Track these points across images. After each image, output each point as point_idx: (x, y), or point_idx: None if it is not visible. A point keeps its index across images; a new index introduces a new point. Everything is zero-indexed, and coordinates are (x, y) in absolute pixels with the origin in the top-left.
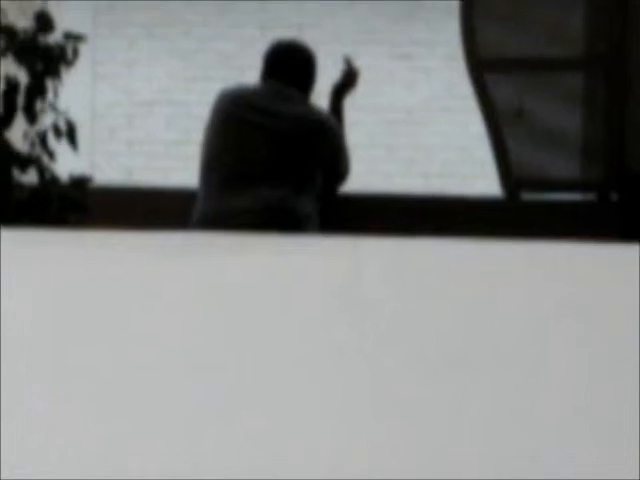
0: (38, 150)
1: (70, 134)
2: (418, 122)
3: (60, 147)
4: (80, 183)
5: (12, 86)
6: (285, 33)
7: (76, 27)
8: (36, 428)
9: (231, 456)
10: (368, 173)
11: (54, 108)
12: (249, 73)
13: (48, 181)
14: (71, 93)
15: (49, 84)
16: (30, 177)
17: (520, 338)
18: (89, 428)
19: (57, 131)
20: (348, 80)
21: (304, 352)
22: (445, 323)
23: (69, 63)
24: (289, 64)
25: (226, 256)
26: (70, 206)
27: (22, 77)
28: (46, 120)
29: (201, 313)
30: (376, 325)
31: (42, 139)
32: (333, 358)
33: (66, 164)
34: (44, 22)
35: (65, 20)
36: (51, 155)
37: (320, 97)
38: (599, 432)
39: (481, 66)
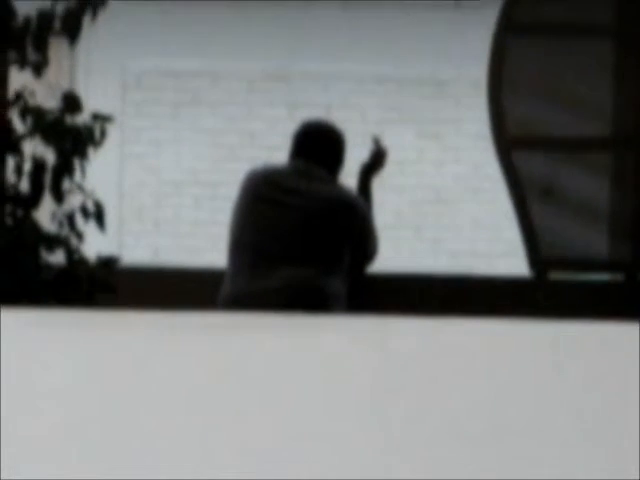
0: (66, 231)
1: (98, 215)
2: (446, 201)
3: (88, 227)
4: (108, 263)
5: (39, 166)
6: (312, 112)
7: (104, 105)
8: None
9: None
10: (396, 253)
11: (81, 188)
12: (276, 153)
13: (76, 261)
14: (99, 172)
15: (76, 164)
16: (57, 257)
17: (549, 417)
18: None
19: (85, 212)
20: (376, 160)
21: (335, 433)
22: (474, 404)
23: (97, 144)
24: (318, 144)
25: (254, 336)
26: (98, 286)
27: (50, 157)
28: (74, 200)
29: (229, 394)
30: (406, 406)
31: (70, 220)
32: (364, 439)
33: (94, 243)
34: (72, 102)
35: (92, 97)
36: (79, 236)
37: (348, 177)
38: None
39: (509, 144)
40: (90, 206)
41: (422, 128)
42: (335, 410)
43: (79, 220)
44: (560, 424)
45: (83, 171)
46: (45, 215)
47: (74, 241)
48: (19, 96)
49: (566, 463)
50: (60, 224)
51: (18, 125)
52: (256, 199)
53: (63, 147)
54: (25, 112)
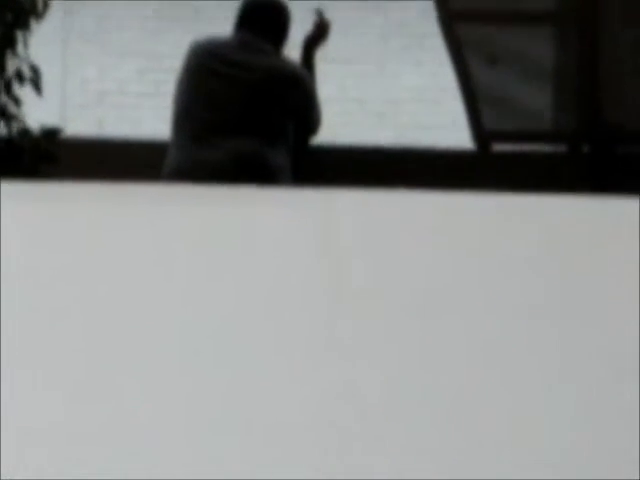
0: (4, 98)
1: (34, 79)
2: (390, 74)
3: (31, 100)
4: (51, 134)
5: None
6: None
7: None
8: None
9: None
10: (340, 126)
11: (16, 54)
12: (221, 26)
13: (20, 133)
14: (41, 45)
15: (19, 36)
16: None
17: (490, 292)
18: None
19: (20, 77)
20: (320, 32)
21: (276, 305)
22: (417, 275)
23: (39, 15)
24: (262, 16)
25: (197, 207)
26: (41, 158)
27: None
28: (12, 68)
29: (170, 265)
30: (351, 277)
31: (7, 86)
32: (307, 311)
33: (38, 116)
34: None
35: None
36: (17, 102)
37: (292, 49)
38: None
39: (452, 16)
40: (26, 71)
41: (367, 2)
42: (280, 285)
43: (17, 86)
44: (505, 299)
45: (25, 43)
46: None
47: (13, 109)
48: None
49: (518, 342)
50: None
51: None
52: (200, 71)
53: (5, 18)
54: None
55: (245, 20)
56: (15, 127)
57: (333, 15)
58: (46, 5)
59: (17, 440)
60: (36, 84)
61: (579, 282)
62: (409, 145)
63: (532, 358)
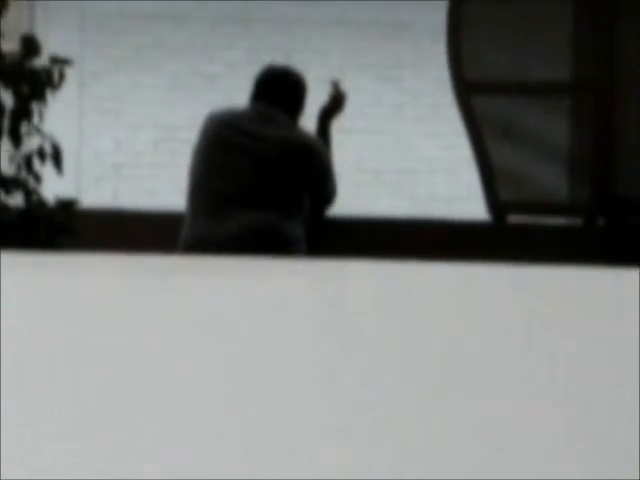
0: (24, 173)
1: (55, 157)
2: (405, 145)
3: (47, 170)
4: (67, 206)
5: None
6: (273, 56)
7: (63, 47)
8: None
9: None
10: (355, 197)
11: (39, 131)
12: (236, 96)
13: (35, 204)
14: (58, 115)
15: (35, 107)
16: (16, 200)
17: (505, 359)
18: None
19: (42, 154)
20: (335, 103)
21: (290, 373)
22: (430, 345)
23: (55, 87)
24: (278, 88)
25: (212, 279)
26: (57, 229)
27: (8, 100)
28: (32, 143)
29: (186, 335)
30: (362, 347)
31: (27, 162)
32: (319, 379)
33: (53, 187)
34: (30, 46)
35: (52, 40)
36: (37, 178)
37: (308, 120)
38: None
39: (468, 87)
40: (47, 148)
41: (381, 72)
42: (295, 353)
43: (37, 162)
44: (521, 365)
45: (41, 114)
46: (2, 158)
47: (32, 183)
48: None
49: (538, 405)
50: (18, 167)
51: None
52: (216, 142)
53: (21, 90)
54: None
55: (261, 91)
56: (31, 198)
57: (348, 86)
58: (62, 77)
59: None
60: (57, 162)
61: (592, 350)
62: (424, 216)
63: (551, 427)
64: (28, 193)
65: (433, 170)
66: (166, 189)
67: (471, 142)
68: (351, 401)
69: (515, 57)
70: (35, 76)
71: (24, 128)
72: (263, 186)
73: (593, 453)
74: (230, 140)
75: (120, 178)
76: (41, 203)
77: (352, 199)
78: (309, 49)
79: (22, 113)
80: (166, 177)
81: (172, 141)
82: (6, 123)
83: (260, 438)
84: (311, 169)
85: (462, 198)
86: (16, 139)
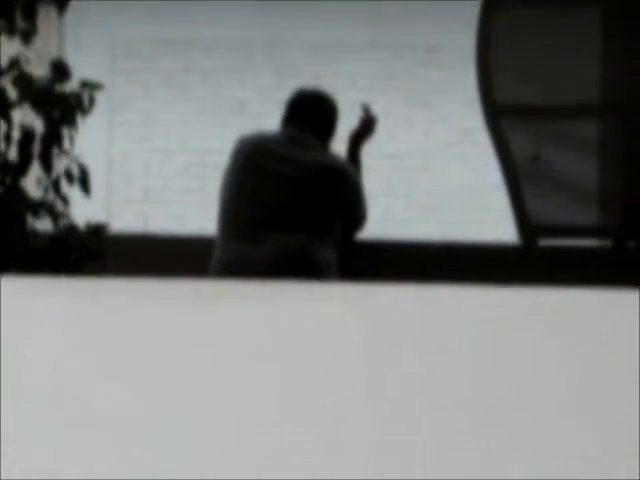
0: (52, 196)
1: (83, 179)
2: (436, 168)
3: (77, 195)
4: (97, 231)
5: (28, 134)
6: (302, 80)
7: (93, 72)
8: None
9: None
10: (386, 220)
11: (66, 153)
12: (266, 121)
13: (65, 229)
14: (88, 140)
15: (65, 132)
16: (44, 224)
17: (537, 384)
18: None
19: (69, 176)
20: (366, 127)
21: (325, 398)
22: (462, 370)
23: (85, 111)
24: (310, 112)
25: (244, 303)
26: (87, 254)
27: (38, 126)
28: (60, 166)
29: (218, 360)
30: (396, 372)
31: (55, 185)
32: (353, 404)
33: (83, 212)
34: (60, 70)
35: (82, 65)
36: (65, 201)
37: (338, 144)
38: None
39: (498, 112)
40: (75, 170)
41: (411, 95)
42: (328, 379)
43: (65, 185)
44: (552, 391)
45: (71, 139)
46: (30, 181)
47: (60, 207)
48: (14, 63)
49: (561, 431)
50: (46, 190)
51: (11, 93)
52: (246, 166)
53: (52, 115)
54: (19, 80)
55: (292, 115)
56: (61, 223)
57: (379, 110)
58: (92, 101)
59: None
60: (84, 184)
61: (625, 373)
62: (455, 240)
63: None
64: (56, 217)
65: (463, 194)
66: (196, 213)
67: (501, 165)
68: (386, 425)
69: (545, 79)
70: (65, 101)
71: (54, 153)
72: (294, 210)
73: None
74: (261, 164)
75: (150, 202)
76: (71, 228)
77: (382, 222)
78: (339, 73)
79: (52, 138)
80: (196, 201)
81: (202, 165)
82: (36, 148)
83: (296, 459)
84: (342, 193)
85: (492, 222)
86: (47, 164)
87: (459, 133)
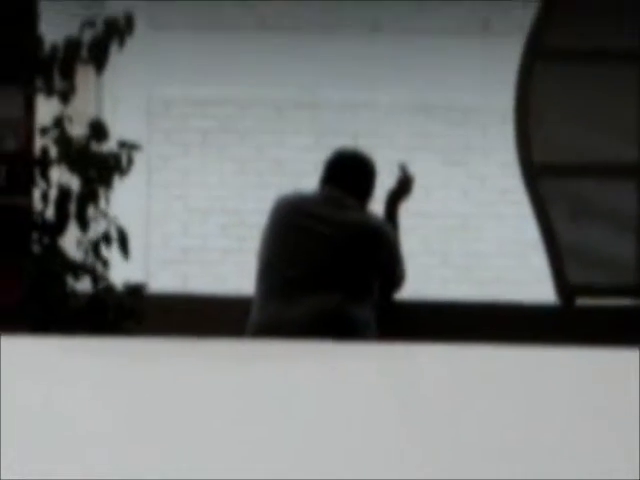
0: (91, 258)
1: (121, 241)
2: (473, 228)
3: (115, 254)
4: (135, 291)
5: (65, 194)
6: (340, 140)
7: (131, 133)
8: None
9: None
10: (423, 280)
11: (105, 215)
12: (304, 181)
13: (104, 289)
14: (126, 200)
15: (101, 191)
16: (83, 285)
17: (576, 444)
18: None
19: (108, 239)
20: (403, 187)
21: (362, 457)
22: (499, 430)
23: (123, 171)
24: (348, 172)
25: (282, 363)
26: (125, 314)
27: (75, 185)
28: (99, 228)
29: (257, 420)
30: (434, 431)
31: (95, 247)
32: (390, 464)
33: (121, 271)
34: (98, 130)
35: (119, 125)
36: (105, 263)
37: (375, 203)
38: None
39: (535, 171)
40: (113, 233)
41: (449, 155)
42: (366, 439)
43: (104, 247)
44: (587, 452)
45: (107, 199)
46: (70, 242)
47: (100, 268)
48: (57, 123)
49: None
50: (85, 251)
51: (52, 152)
52: (285, 226)
53: (88, 175)
54: (60, 140)
55: (331, 175)
56: (100, 284)
57: (416, 170)
58: (130, 161)
59: None
60: (124, 247)
61: None
62: (492, 299)
63: None
64: (96, 279)
65: (501, 253)
66: (234, 273)
67: (539, 225)
68: None
69: (583, 137)
70: (102, 161)
71: (91, 212)
72: (332, 270)
73: None
74: (299, 224)
75: (188, 262)
76: (109, 288)
77: (420, 282)
78: (376, 133)
79: (88, 197)
80: (234, 261)
81: (240, 226)
82: (73, 207)
83: None
84: (380, 253)
85: (530, 282)
86: (83, 224)
87: (496, 193)
